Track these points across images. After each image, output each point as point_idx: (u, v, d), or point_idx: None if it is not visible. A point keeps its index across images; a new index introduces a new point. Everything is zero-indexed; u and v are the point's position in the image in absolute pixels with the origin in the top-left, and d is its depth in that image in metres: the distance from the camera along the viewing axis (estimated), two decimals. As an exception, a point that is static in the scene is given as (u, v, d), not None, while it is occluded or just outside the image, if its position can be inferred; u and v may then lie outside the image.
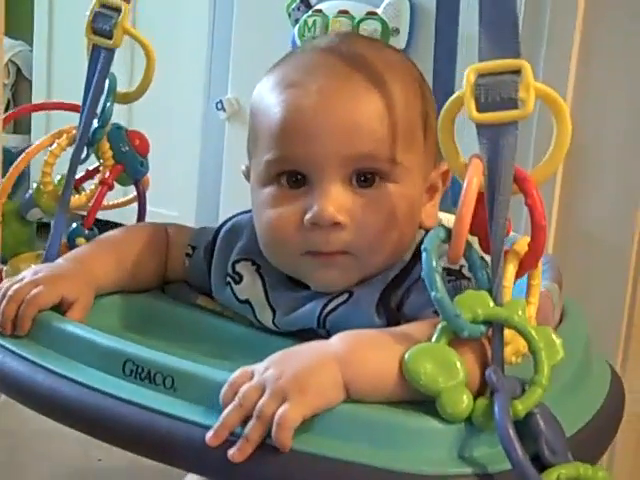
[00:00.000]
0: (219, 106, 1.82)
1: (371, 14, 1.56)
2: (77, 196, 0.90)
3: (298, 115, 0.75)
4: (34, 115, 0.94)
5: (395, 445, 0.61)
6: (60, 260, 0.82)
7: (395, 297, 0.76)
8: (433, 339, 0.65)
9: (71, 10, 2.15)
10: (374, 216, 0.76)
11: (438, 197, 0.83)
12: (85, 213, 0.92)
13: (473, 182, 0.66)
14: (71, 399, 0.68)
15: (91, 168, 0.93)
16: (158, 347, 0.72)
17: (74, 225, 0.90)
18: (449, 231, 0.67)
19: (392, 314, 0.75)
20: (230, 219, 0.88)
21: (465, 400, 0.62)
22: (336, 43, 0.80)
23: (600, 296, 1.28)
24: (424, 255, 0.65)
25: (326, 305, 0.78)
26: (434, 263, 0.65)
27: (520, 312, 0.65)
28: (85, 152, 0.87)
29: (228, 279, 0.84)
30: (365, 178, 0.76)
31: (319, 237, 0.76)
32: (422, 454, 0.61)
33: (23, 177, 0.91)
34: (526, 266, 0.68)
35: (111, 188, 0.91)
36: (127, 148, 0.91)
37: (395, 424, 0.62)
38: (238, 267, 0.84)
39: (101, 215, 0.94)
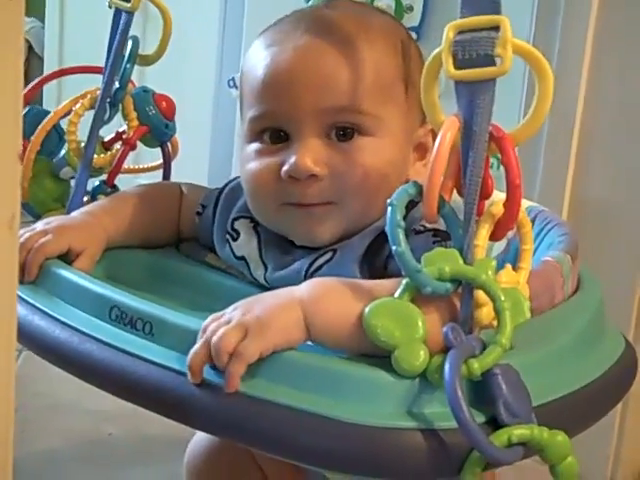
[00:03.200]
0: (231, 84, 1.83)
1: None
2: (102, 155, 0.94)
3: (275, 72, 0.78)
4: (46, 88, 0.98)
5: (343, 395, 0.61)
6: (75, 213, 0.86)
7: (380, 256, 0.76)
8: (396, 294, 0.64)
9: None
10: (352, 168, 0.77)
11: (429, 157, 0.82)
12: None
13: (447, 136, 0.65)
14: (60, 340, 0.72)
15: (121, 130, 0.97)
16: (157, 300, 0.75)
17: (97, 182, 0.94)
18: (421, 187, 0.67)
19: (376, 272, 0.75)
20: (235, 179, 0.90)
21: (421, 356, 0.62)
22: (319, 7, 0.84)
23: (614, 269, 1.25)
24: (389, 209, 0.65)
25: (312, 264, 0.79)
26: (398, 217, 0.64)
27: (489, 272, 0.64)
28: (108, 113, 0.90)
29: (227, 236, 0.86)
30: (344, 132, 0.78)
31: (296, 189, 0.78)
32: (369, 406, 0.61)
33: (57, 136, 0.95)
34: (503, 226, 0.67)
35: (133, 148, 0.95)
36: (153, 110, 0.94)
37: (344, 374, 0.62)
38: (236, 224, 0.86)
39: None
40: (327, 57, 0.77)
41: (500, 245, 0.82)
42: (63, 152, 0.95)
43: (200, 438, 0.96)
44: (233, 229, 0.86)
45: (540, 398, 0.65)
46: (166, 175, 1.00)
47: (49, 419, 1.45)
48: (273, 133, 0.80)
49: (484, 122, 0.65)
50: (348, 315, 0.64)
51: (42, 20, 2.55)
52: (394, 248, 0.64)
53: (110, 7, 0.87)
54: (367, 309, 0.63)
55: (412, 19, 1.50)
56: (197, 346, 0.63)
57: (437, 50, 0.67)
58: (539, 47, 1.34)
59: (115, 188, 0.95)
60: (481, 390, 0.62)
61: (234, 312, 0.65)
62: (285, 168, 0.77)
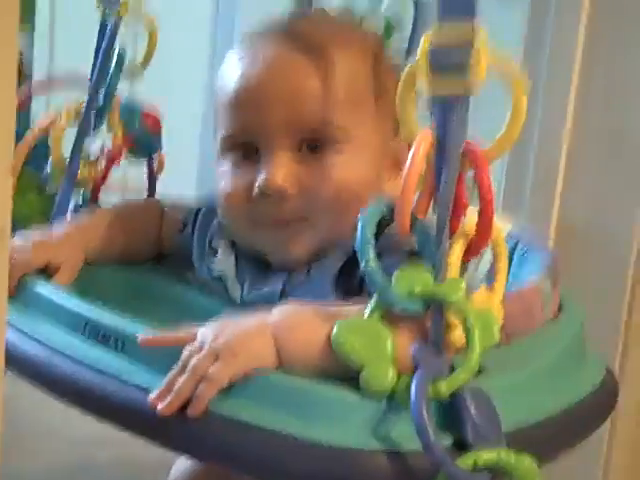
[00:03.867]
0: None
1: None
2: (86, 170, 0.93)
3: (245, 86, 0.78)
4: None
5: (309, 415, 0.60)
6: (54, 227, 0.85)
7: (354, 277, 0.75)
8: (365, 313, 0.63)
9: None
10: (323, 183, 0.77)
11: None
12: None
13: (419, 151, 0.64)
14: (31, 356, 0.71)
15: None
16: (135, 317, 0.74)
17: (80, 197, 0.93)
18: (392, 204, 0.65)
19: (352, 293, 0.74)
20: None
21: (389, 375, 0.60)
22: (290, 20, 0.83)
23: (598, 294, 1.23)
24: (359, 226, 0.64)
25: (286, 283, 0.79)
26: (368, 234, 0.63)
27: (460, 292, 0.63)
28: (93, 126, 0.90)
29: (205, 255, 0.85)
30: (315, 146, 0.77)
31: (267, 207, 0.77)
32: (335, 426, 0.60)
33: (45, 149, 0.94)
34: (476, 244, 0.66)
35: (117, 163, 0.94)
36: (137, 125, 0.94)
37: (311, 394, 0.61)
38: (214, 243, 0.85)
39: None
40: (296, 70, 0.76)
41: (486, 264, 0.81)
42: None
43: (183, 459, 0.96)
44: (211, 247, 0.85)
45: (511, 423, 0.63)
46: (151, 190, 0.99)
47: (32, 444, 1.45)
48: (244, 148, 0.79)
49: (457, 138, 0.63)
50: (317, 339, 0.63)
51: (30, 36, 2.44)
52: (363, 265, 0.63)
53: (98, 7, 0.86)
54: (335, 328, 0.62)
55: (402, 38, 1.50)
56: (173, 372, 0.62)
57: (412, 63, 0.66)
58: (527, 68, 1.36)
59: (97, 203, 0.94)
60: (450, 412, 0.61)
61: (206, 335, 0.64)
62: (256, 186, 0.77)
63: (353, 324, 0.62)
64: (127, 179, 1.03)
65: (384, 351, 0.61)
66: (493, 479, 0.59)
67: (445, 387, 0.59)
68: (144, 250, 0.91)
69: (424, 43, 0.65)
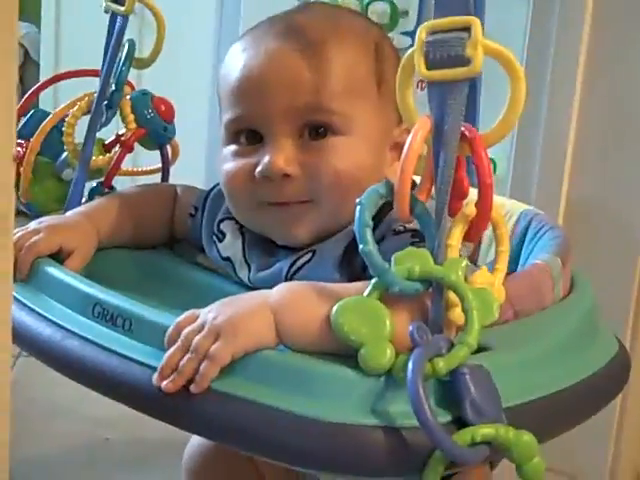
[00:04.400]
0: None
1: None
2: (101, 157, 0.96)
3: (247, 75, 0.80)
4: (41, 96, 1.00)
5: (309, 391, 0.62)
6: (68, 213, 0.87)
7: (357, 259, 0.76)
8: (365, 293, 0.65)
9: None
10: (324, 167, 0.79)
11: None
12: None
13: (417, 136, 0.65)
14: (43, 336, 0.73)
15: (120, 133, 0.98)
16: (145, 300, 0.76)
17: (94, 184, 0.95)
18: (392, 186, 0.67)
19: (355, 275, 0.76)
20: None
21: (387, 354, 0.62)
22: (292, 11, 0.86)
23: (609, 272, 1.24)
24: (357, 209, 0.65)
25: (292, 265, 0.81)
26: (366, 217, 0.65)
27: (460, 272, 0.64)
28: (105, 115, 0.92)
29: (214, 238, 0.88)
30: (316, 132, 0.79)
31: (271, 189, 0.79)
32: (334, 402, 0.61)
33: (60, 137, 0.96)
34: (476, 226, 0.67)
35: (131, 150, 0.96)
36: (151, 113, 0.96)
37: (310, 370, 0.63)
38: (222, 226, 0.88)
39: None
40: (297, 58, 0.79)
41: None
42: (65, 154, 0.97)
43: (196, 440, 0.97)
44: (219, 230, 0.88)
45: (519, 398, 0.65)
46: (164, 177, 1.01)
47: (45, 425, 1.46)
48: (248, 135, 0.82)
49: (455, 122, 0.65)
50: (317, 317, 0.65)
51: (38, 26, 2.53)
52: (361, 247, 0.64)
53: (106, 12, 0.89)
54: (335, 307, 0.64)
55: (407, 23, 1.51)
56: (173, 349, 0.65)
57: (410, 50, 0.67)
58: (533, 51, 1.35)
59: (112, 190, 0.96)
60: (449, 390, 0.62)
61: (207, 315, 0.66)
62: (258, 169, 0.79)
63: (352, 303, 0.64)
64: (140, 167, 1.04)
65: (382, 330, 0.63)
66: (492, 455, 0.61)
67: (443, 365, 0.61)
68: (155, 234, 0.93)
69: (420, 33, 0.66)
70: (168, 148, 1.00)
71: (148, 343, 0.69)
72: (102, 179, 0.96)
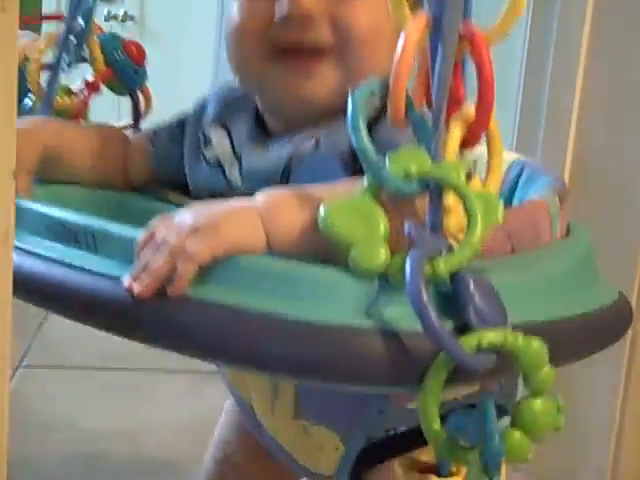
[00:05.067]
0: None
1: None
2: (67, 99, 0.90)
3: None
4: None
5: (298, 295, 0.56)
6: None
7: None
8: (358, 193, 0.59)
9: None
10: (352, 14, 0.73)
11: None
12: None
13: (413, 33, 0.60)
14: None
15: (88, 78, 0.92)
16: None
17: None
18: (387, 84, 0.62)
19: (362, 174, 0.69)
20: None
21: (382, 254, 0.56)
22: None
23: (613, 233, 1.22)
24: (350, 98, 0.60)
25: (292, 154, 0.73)
26: (360, 106, 0.59)
27: (460, 172, 0.59)
28: (73, 54, 0.86)
29: (200, 148, 0.81)
30: None
31: (290, 32, 0.72)
32: (326, 304, 0.55)
33: (23, 81, 0.90)
34: (475, 129, 0.62)
35: (97, 90, 0.90)
36: (121, 55, 0.90)
37: (299, 274, 0.57)
38: (207, 132, 0.81)
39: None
40: None
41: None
42: (27, 100, 0.91)
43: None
44: (205, 136, 0.81)
45: (521, 318, 0.58)
46: (136, 126, 0.95)
47: (44, 436, 1.44)
48: None
49: (454, 17, 0.60)
50: (305, 220, 0.59)
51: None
52: (355, 143, 0.59)
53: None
54: (325, 207, 0.58)
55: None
56: (145, 250, 0.58)
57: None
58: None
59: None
60: (450, 299, 0.56)
61: (184, 214, 0.59)
62: (280, 9, 0.72)
63: (343, 203, 0.58)
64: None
65: (376, 230, 0.57)
66: (499, 362, 0.55)
67: (444, 265, 0.55)
68: (115, 173, 0.85)
69: None
70: (139, 94, 0.94)
71: (116, 258, 0.62)
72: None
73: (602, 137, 1.29)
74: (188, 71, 2.05)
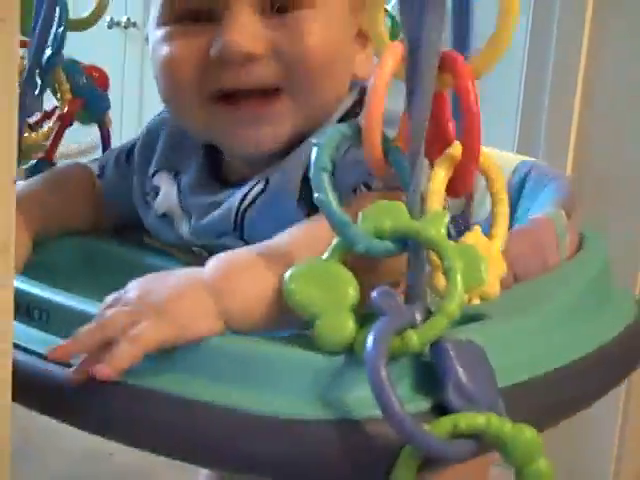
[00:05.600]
0: None
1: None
2: (33, 134, 0.83)
3: None
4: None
5: (250, 383, 0.49)
6: None
7: None
8: (325, 255, 0.51)
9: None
10: (295, 43, 0.64)
11: (371, 49, 0.69)
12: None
13: (387, 64, 0.53)
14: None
15: (49, 109, 0.86)
16: (86, 289, 0.61)
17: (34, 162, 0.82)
18: (358, 128, 0.54)
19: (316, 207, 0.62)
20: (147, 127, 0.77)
21: (348, 327, 0.48)
22: None
23: (619, 229, 1.21)
24: (315, 150, 0.53)
25: (243, 199, 0.67)
26: (324, 159, 0.52)
27: (440, 227, 0.51)
28: (39, 85, 0.80)
29: (147, 198, 0.74)
30: (280, 4, 0.65)
31: (227, 74, 0.64)
32: (281, 395, 0.48)
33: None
34: (463, 168, 0.54)
35: (70, 123, 0.83)
36: (85, 81, 0.84)
37: (250, 358, 0.49)
38: (155, 180, 0.74)
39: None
40: None
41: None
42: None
43: None
44: (152, 186, 0.73)
45: (509, 378, 0.52)
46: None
47: (49, 440, 1.41)
48: (193, 13, 0.66)
49: (432, 43, 0.52)
50: (265, 288, 0.52)
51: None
52: (316, 196, 0.52)
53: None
54: (288, 273, 0.51)
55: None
56: (85, 328, 0.51)
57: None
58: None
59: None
60: (430, 371, 0.49)
61: (129, 295, 0.52)
62: (215, 48, 0.64)
63: (308, 267, 0.51)
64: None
65: (344, 298, 0.49)
66: (482, 450, 0.47)
67: (417, 338, 0.47)
68: (86, 215, 0.78)
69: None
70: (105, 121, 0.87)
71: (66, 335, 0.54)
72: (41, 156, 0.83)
73: (603, 138, 1.27)
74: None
